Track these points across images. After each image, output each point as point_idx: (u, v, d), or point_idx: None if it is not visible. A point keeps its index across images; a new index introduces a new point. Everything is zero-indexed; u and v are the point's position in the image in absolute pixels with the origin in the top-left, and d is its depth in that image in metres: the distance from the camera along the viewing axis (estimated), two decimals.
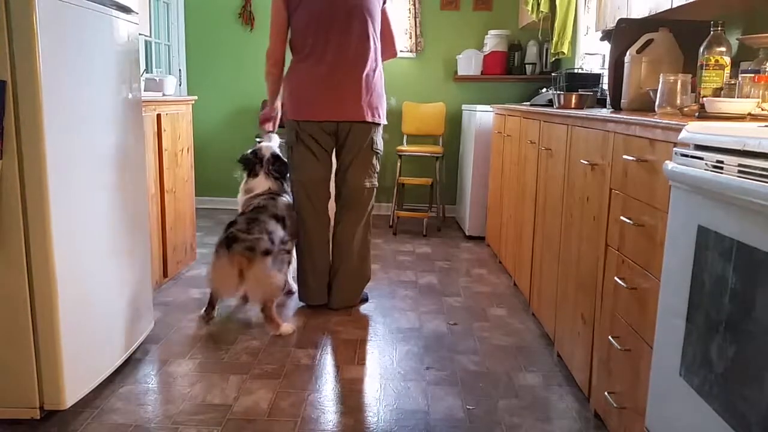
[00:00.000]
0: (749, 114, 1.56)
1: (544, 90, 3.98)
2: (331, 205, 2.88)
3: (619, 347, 1.65)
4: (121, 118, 2.12)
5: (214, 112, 5.18)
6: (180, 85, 4.99)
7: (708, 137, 1.17)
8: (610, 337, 1.72)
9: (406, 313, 2.84)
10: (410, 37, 4.96)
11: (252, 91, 5.13)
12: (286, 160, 2.86)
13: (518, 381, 2.17)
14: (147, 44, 4.45)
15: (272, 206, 2.66)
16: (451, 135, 5.07)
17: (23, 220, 1.68)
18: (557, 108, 2.68)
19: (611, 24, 2.56)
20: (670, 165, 1.27)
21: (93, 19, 1.91)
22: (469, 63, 4.87)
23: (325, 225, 2.85)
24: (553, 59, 4.47)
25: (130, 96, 2.21)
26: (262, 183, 2.81)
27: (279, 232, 2.58)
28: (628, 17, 2.54)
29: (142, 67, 4.02)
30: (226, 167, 2.79)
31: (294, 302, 2.92)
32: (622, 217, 1.64)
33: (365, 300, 2.95)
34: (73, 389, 1.84)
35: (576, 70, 3.43)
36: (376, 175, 2.83)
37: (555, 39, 4.02)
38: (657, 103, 1.81)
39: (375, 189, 2.85)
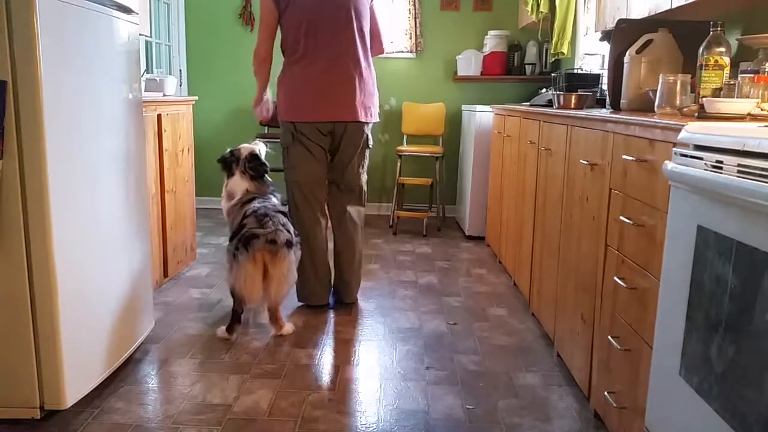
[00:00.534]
0: (749, 114, 1.56)
1: (544, 90, 3.98)
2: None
3: (618, 347, 1.65)
4: (121, 119, 2.12)
5: (215, 112, 5.18)
6: (180, 85, 5.00)
7: (707, 137, 1.17)
8: (609, 337, 1.72)
9: (406, 313, 2.85)
10: (410, 38, 4.96)
11: (252, 91, 5.07)
12: (264, 161, 2.83)
13: (518, 381, 2.18)
14: (147, 44, 4.45)
15: (271, 205, 2.63)
16: (451, 135, 5.07)
17: (23, 220, 1.69)
18: (557, 108, 2.69)
19: (611, 24, 2.56)
20: (669, 165, 1.27)
21: (93, 19, 1.91)
22: (468, 63, 4.87)
23: (324, 225, 2.86)
24: (553, 59, 4.47)
25: (130, 96, 2.21)
26: (238, 183, 2.74)
27: (289, 226, 2.55)
28: (628, 18, 2.54)
29: (143, 67, 4.02)
30: (220, 171, 2.80)
31: (294, 302, 2.92)
32: (621, 217, 1.65)
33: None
34: (73, 389, 1.84)
35: (575, 71, 3.43)
36: (367, 166, 2.96)
37: (555, 39, 4.02)
38: (656, 103, 1.81)
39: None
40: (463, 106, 4.86)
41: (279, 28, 2.74)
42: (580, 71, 3.39)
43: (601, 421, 1.84)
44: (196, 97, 3.56)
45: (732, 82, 1.70)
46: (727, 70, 1.73)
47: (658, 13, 2.28)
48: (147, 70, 4.41)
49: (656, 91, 1.82)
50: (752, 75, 1.64)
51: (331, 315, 2.81)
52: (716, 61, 1.72)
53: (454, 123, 5.06)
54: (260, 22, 2.74)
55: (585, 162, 1.99)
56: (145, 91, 3.09)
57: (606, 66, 2.92)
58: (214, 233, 4.35)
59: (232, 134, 5.16)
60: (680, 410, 1.24)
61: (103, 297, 2.01)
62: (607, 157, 1.80)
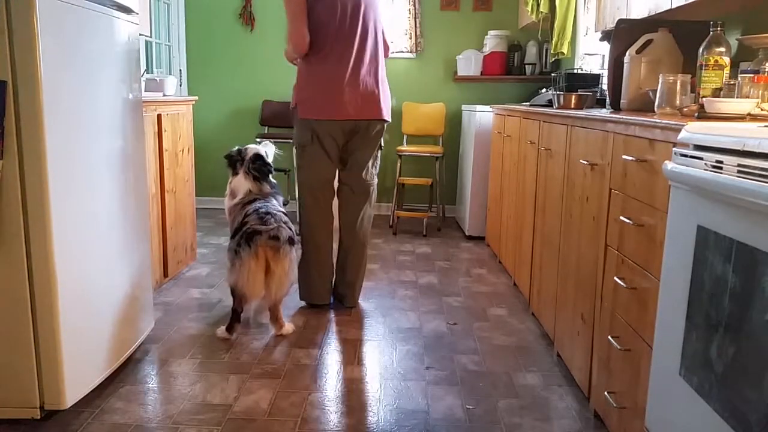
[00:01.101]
0: (749, 114, 1.56)
1: (544, 90, 3.98)
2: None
3: (618, 347, 1.65)
4: (121, 119, 2.12)
5: (214, 112, 5.18)
6: (180, 85, 5.00)
7: (707, 137, 1.17)
8: (609, 337, 1.72)
9: (406, 313, 2.85)
10: (410, 38, 4.96)
11: (252, 91, 5.14)
12: (269, 161, 2.83)
13: (518, 381, 2.18)
14: (147, 44, 4.45)
15: (272, 205, 2.63)
16: (451, 135, 5.07)
17: (23, 220, 1.68)
18: (557, 108, 2.69)
19: (611, 24, 2.56)
20: (669, 165, 1.27)
21: (93, 19, 1.91)
22: (468, 63, 4.87)
23: (332, 225, 2.87)
24: (553, 59, 4.48)
25: (130, 96, 2.21)
26: (242, 183, 2.74)
27: (291, 224, 2.55)
28: (628, 17, 2.54)
29: (143, 67, 4.02)
30: (226, 167, 2.79)
31: (294, 302, 2.92)
32: (621, 217, 1.65)
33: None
34: (73, 389, 1.84)
35: (576, 71, 3.43)
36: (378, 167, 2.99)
37: (555, 39, 4.02)
38: (656, 103, 1.81)
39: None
40: (463, 106, 4.86)
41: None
42: (580, 71, 3.39)
43: (601, 421, 1.84)
44: (196, 97, 3.56)
45: (732, 82, 1.70)
46: (727, 70, 1.73)
47: (658, 13, 2.28)
48: (147, 70, 4.41)
49: (656, 91, 1.82)
50: (752, 75, 1.63)
51: (332, 315, 2.81)
52: (716, 61, 1.72)
53: (454, 123, 5.06)
54: (292, 14, 2.63)
55: (585, 162, 1.99)
56: (145, 91, 3.09)
57: (606, 66, 2.92)
58: (214, 233, 4.35)
59: (232, 134, 5.16)
60: (680, 410, 1.24)
61: (103, 297, 2.01)
62: (607, 157, 1.80)
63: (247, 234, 2.40)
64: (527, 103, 3.75)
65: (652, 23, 2.20)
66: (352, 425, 1.87)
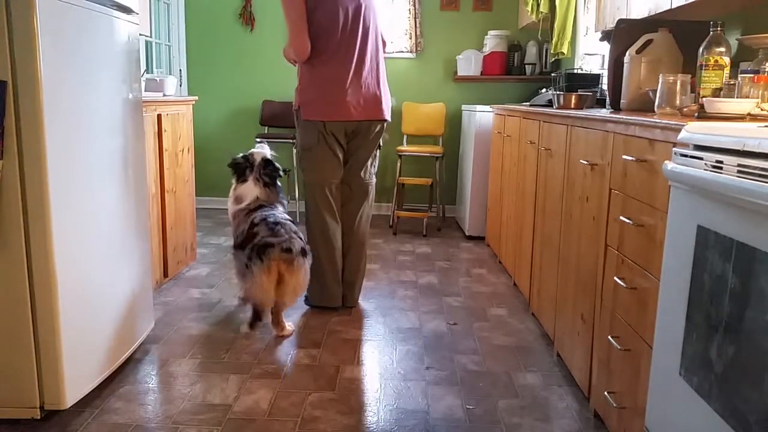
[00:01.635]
0: (749, 114, 1.56)
1: (544, 90, 3.98)
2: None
3: (618, 347, 1.65)
4: (121, 119, 2.12)
5: (214, 112, 5.18)
6: (180, 85, 5.00)
7: (707, 137, 1.17)
8: (609, 337, 1.72)
9: (406, 313, 2.85)
10: (410, 38, 4.96)
11: (252, 91, 5.13)
12: (279, 166, 2.83)
13: (518, 381, 2.18)
14: (147, 44, 4.45)
15: (279, 213, 2.60)
16: (451, 135, 5.07)
17: (23, 220, 1.68)
18: (557, 108, 2.69)
19: (611, 24, 2.56)
20: (669, 165, 1.27)
21: (93, 19, 1.91)
22: (468, 63, 4.87)
23: (340, 226, 2.87)
24: (553, 59, 4.47)
25: (130, 96, 2.21)
26: (251, 190, 2.71)
27: (301, 234, 2.54)
28: (628, 17, 2.54)
29: (143, 67, 4.02)
30: (226, 167, 2.78)
31: (295, 303, 2.91)
32: (621, 217, 1.65)
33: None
34: (73, 389, 1.84)
35: (576, 71, 3.43)
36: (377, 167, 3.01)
37: (555, 39, 4.02)
38: (656, 103, 1.81)
39: None
40: (463, 106, 4.86)
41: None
42: (580, 71, 3.39)
43: (601, 421, 1.84)
44: (196, 97, 3.56)
45: (732, 82, 1.70)
46: (727, 70, 1.73)
47: (658, 13, 2.28)
48: (147, 70, 4.41)
49: (656, 91, 1.82)
50: (752, 75, 1.63)
51: (331, 315, 2.81)
52: (716, 61, 1.73)
53: (454, 123, 5.06)
54: (292, 19, 2.61)
55: (585, 162, 1.99)
56: (145, 91, 3.09)
57: (606, 66, 2.92)
58: (214, 233, 4.35)
59: (232, 134, 5.16)
60: (680, 410, 1.24)
61: (103, 297, 2.01)
62: (607, 157, 1.80)
63: (259, 247, 2.36)
64: (527, 103, 3.75)
65: (652, 23, 2.20)
66: (352, 425, 1.87)
